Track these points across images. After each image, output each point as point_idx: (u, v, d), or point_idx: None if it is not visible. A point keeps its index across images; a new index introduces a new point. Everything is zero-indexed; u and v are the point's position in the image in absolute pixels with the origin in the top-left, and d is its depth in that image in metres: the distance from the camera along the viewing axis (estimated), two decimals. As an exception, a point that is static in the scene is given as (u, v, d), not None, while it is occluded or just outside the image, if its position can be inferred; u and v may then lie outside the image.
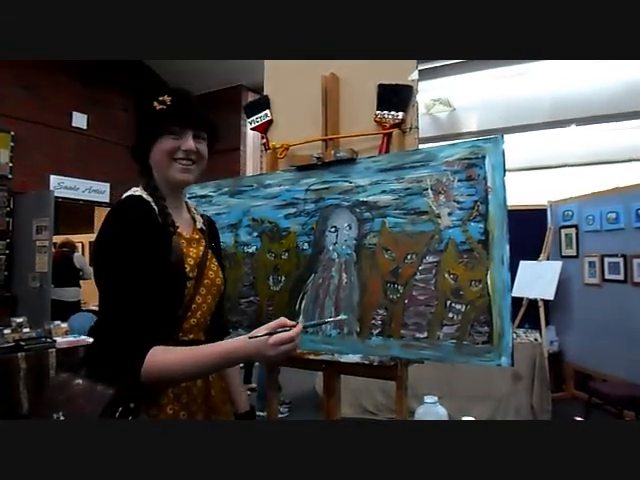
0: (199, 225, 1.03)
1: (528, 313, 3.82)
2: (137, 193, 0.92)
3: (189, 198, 1.46)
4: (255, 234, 1.39)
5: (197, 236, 1.00)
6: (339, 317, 1.12)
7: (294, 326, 0.83)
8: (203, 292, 0.95)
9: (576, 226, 3.95)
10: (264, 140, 1.52)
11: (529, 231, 3.77)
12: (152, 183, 0.93)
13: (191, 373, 0.82)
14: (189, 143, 0.91)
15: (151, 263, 0.82)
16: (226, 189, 1.46)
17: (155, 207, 0.90)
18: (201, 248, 0.98)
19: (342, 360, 1.25)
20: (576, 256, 3.92)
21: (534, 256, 3.92)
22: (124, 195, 0.93)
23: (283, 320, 0.84)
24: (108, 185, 5.55)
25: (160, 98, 0.91)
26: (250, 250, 1.39)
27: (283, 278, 1.33)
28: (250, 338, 0.81)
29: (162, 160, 0.92)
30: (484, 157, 1.06)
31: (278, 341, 0.81)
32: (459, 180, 1.09)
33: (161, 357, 0.79)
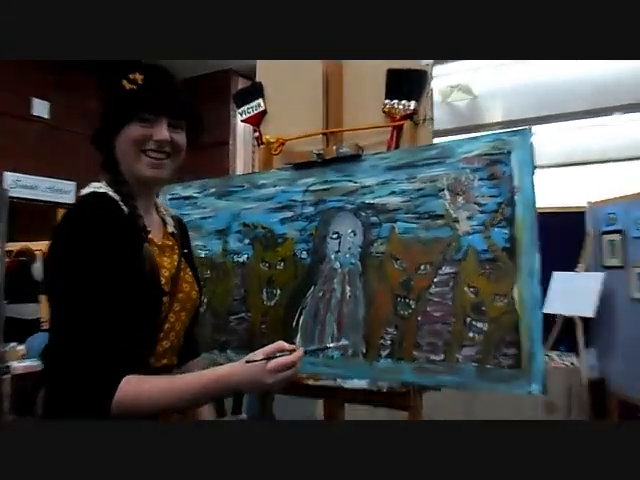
0: (170, 229, 1.00)
1: (563, 333, 3.79)
2: (101, 190, 0.88)
3: (170, 200, 1.49)
4: (246, 241, 1.40)
5: (170, 242, 0.97)
6: (340, 343, 1.13)
7: (294, 350, 0.83)
8: (177, 308, 0.92)
9: (621, 231, 3.90)
10: (256, 134, 1.53)
11: (564, 237, 3.74)
12: (119, 178, 0.88)
13: (175, 406, 0.80)
14: (163, 132, 0.87)
15: (120, 274, 0.79)
16: (213, 190, 1.46)
17: (124, 207, 0.87)
18: (175, 257, 0.96)
19: (346, 386, 1.27)
20: (621, 266, 3.90)
21: (570, 267, 3.89)
22: (84, 191, 0.89)
23: (281, 344, 0.83)
24: (74, 184, 5.39)
25: (131, 76, 0.86)
26: (241, 259, 1.40)
27: (278, 291, 1.34)
28: (247, 362, 0.80)
29: (128, 151, 0.87)
30: (510, 152, 1.07)
31: (277, 367, 0.79)
32: (480, 179, 1.10)
33: (137, 389, 0.76)
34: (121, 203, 0.87)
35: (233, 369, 0.81)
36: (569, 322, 3.76)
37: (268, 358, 0.80)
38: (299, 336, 1.30)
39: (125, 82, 0.86)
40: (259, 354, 0.81)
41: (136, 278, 0.82)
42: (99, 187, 0.89)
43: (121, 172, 0.90)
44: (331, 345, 1.17)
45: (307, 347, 0.89)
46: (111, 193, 0.88)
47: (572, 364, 3.59)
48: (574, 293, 3.78)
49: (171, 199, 1.51)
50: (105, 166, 0.91)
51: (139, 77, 0.86)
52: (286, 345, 0.83)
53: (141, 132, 0.87)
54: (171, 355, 0.94)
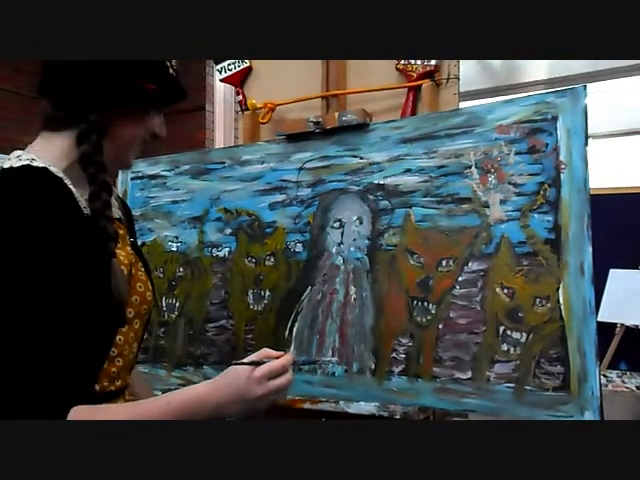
0: (116, 213, 0.93)
1: (625, 347, 3.75)
2: (37, 164, 0.78)
3: (133, 180, 1.47)
4: (228, 231, 1.38)
5: (121, 231, 0.92)
6: (327, 359, 1.16)
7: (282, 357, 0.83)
8: (130, 315, 0.87)
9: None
10: (240, 97, 1.53)
11: (624, 226, 3.70)
12: (98, 158, 0.81)
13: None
14: (164, 127, 0.93)
15: (71, 283, 0.73)
16: (186, 167, 1.45)
17: (79, 196, 0.81)
18: (128, 249, 0.92)
19: (350, 411, 1.24)
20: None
21: (632, 263, 3.85)
22: (10, 163, 0.79)
23: (266, 351, 0.83)
24: (5, 158, 5.44)
25: (174, 61, 0.91)
26: (221, 254, 1.39)
27: (267, 293, 1.32)
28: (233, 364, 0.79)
29: (133, 138, 0.88)
30: (555, 118, 1.06)
31: (266, 373, 0.78)
32: (517, 153, 1.09)
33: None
34: (71, 186, 0.80)
35: (210, 386, 0.79)
36: (632, 333, 3.70)
37: (253, 363, 0.79)
38: (293, 348, 1.28)
39: (168, 64, 0.89)
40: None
41: (93, 298, 0.76)
42: (31, 160, 0.79)
43: (102, 154, 0.83)
44: (322, 359, 1.19)
45: (298, 358, 0.90)
46: (54, 169, 0.79)
47: (638, 388, 3.50)
48: (638, 296, 3.71)
49: (134, 178, 1.51)
50: (84, 137, 0.82)
51: (175, 62, 0.90)
52: (272, 352, 0.83)
53: (157, 123, 0.91)
54: (125, 374, 0.91)
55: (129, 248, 0.92)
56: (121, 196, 1.37)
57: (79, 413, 0.72)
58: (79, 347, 0.75)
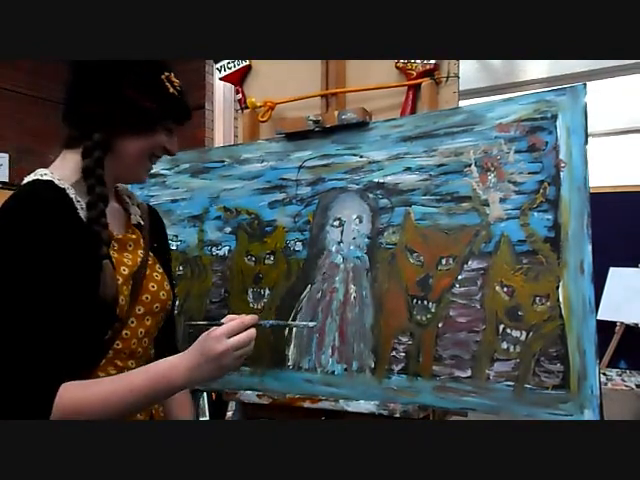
0: (134, 220, 1.04)
1: (625, 346, 3.74)
2: (46, 177, 0.89)
3: None
4: (228, 230, 1.38)
5: (134, 235, 1.01)
6: (301, 323, 1.20)
7: None
8: (140, 312, 0.96)
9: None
10: (239, 95, 1.52)
11: (624, 224, 3.69)
12: (99, 172, 0.91)
13: (122, 413, 0.84)
14: (176, 145, 0.98)
15: (67, 287, 0.82)
16: (186, 166, 1.45)
17: (82, 209, 0.89)
18: (139, 252, 0.99)
19: (350, 409, 1.23)
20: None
21: (632, 261, 3.84)
22: (29, 178, 0.90)
23: (230, 317, 0.88)
24: (6, 157, 5.43)
25: (173, 79, 0.94)
26: (221, 252, 1.39)
27: (267, 291, 1.32)
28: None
29: (139, 156, 0.94)
30: (555, 117, 1.05)
31: (225, 331, 0.83)
32: (517, 151, 1.08)
33: (76, 394, 0.80)
34: (78, 203, 0.89)
35: (180, 355, 0.86)
36: (633, 332, 3.69)
37: (209, 324, 0.88)
38: (292, 346, 1.28)
39: (168, 85, 0.93)
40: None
41: (85, 300, 0.85)
42: (42, 174, 0.90)
43: (103, 169, 0.92)
44: (295, 323, 1.22)
45: (266, 321, 0.96)
46: (64, 186, 0.89)
47: (638, 386, 3.49)
48: (638, 294, 3.70)
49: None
50: (88, 153, 0.91)
51: (176, 81, 0.95)
52: (236, 316, 0.88)
53: (165, 140, 0.96)
54: (136, 366, 0.96)
55: (141, 251, 0.99)
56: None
57: (67, 388, 0.79)
58: (72, 335, 0.83)
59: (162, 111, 0.93)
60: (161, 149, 0.96)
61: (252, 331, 0.86)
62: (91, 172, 0.90)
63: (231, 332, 0.84)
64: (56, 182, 0.88)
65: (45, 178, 0.89)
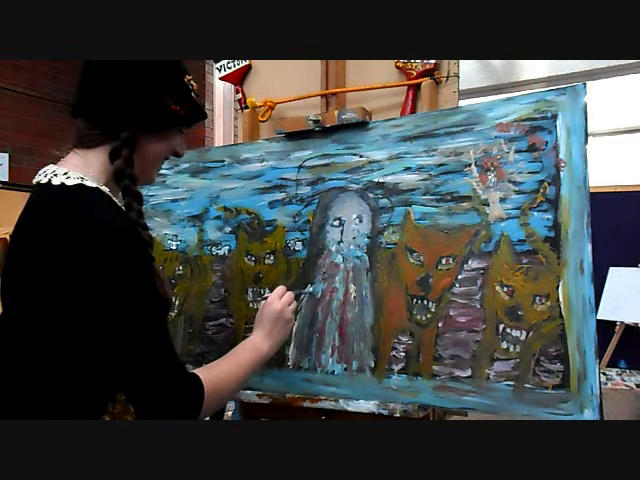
0: None
1: (625, 345, 3.73)
2: (89, 183, 0.86)
3: None
4: (227, 229, 1.38)
5: None
6: (307, 290, 1.26)
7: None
8: None
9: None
10: (239, 95, 1.52)
11: (623, 224, 3.68)
12: (130, 171, 0.91)
13: (241, 383, 0.99)
14: (184, 146, 1.00)
15: (157, 292, 0.88)
16: (186, 165, 1.45)
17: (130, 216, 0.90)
18: None
19: (350, 409, 1.22)
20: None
21: (632, 261, 3.83)
22: (59, 179, 0.86)
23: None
24: (6, 156, 5.39)
25: (193, 82, 0.96)
26: (220, 252, 1.39)
27: (267, 291, 1.32)
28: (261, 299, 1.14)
29: (157, 158, 0.96)
30: (555, 116, 1.05)
31: (275, 295, 1.10)
32: (517, 151, 1.08)
33: (212, 379, 0.91)
34: (116, 200, 0.90)
35: (253, 334, 1.07)
36: (632, 332, 3.68)
37: (264, 298, 1.13)
38: (292, 346, 1.28)
39: (191, 88, 0.95)
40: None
41: (161, 299, 0.90)
42: (81, 178, 0.86)
43: (133, 167, 0.92)
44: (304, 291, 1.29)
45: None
46: (103, 187, 0.89)
47: (638, 386, 3.48)
48: (637, 294, 3.69)
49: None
50: (127, 162, 0.91)
51: (195, 84, 0.96)
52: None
53: (178, 142, 0.98)
54: None
55: None
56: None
57: (202, 372, 0.91)
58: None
59: (187, 114, 0.94)
60: (172, 151, 0.98)
61: (292, 293, 1.12)
62: (123, 173, 0.90)
63: (279, 294, 1.09)
64: (102, 189, 0.87)
65: (89, 184, 0.86)
